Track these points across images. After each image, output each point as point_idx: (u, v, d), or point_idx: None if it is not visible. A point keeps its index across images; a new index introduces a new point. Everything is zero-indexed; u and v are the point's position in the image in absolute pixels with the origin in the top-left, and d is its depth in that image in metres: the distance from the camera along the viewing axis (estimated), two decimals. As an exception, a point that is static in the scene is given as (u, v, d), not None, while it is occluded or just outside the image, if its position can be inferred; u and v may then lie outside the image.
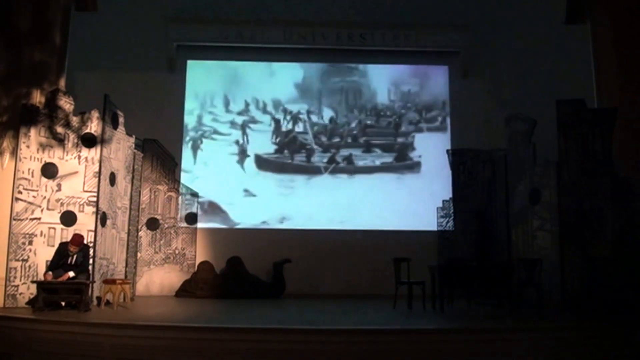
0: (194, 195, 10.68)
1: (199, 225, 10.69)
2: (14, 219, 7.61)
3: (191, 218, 10.50)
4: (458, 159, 10.06)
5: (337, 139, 11.64)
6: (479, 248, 9.46)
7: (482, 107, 11.38)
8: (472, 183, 9.79)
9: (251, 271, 10.18)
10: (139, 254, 9.66)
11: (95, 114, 8.15)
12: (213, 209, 11.24)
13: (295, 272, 10.27)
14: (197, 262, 10.26)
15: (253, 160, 11.52)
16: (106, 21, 10.93)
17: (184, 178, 11.12)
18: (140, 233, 9.73)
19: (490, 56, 11.60)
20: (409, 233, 10.81)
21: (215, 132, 11.56)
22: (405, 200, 11.26)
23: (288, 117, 11.65)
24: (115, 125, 8.51)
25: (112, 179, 8.44)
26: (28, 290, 7.50)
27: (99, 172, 8.02)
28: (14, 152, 7.82)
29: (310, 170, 11.52)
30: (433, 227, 10.47)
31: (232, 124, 11.60)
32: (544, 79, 10.98)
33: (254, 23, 11.55)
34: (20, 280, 7.52)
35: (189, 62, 11.70)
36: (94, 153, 8.07)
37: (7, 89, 8.00)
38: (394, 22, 11.61)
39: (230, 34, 11.54)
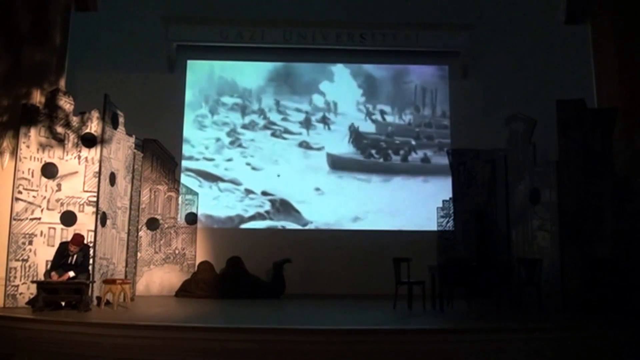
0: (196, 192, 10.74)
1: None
2: (14, 219, 7.61)
3: (191, 218, 10.50)
4: (458, 159, 10.06)
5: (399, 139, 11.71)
6: (479, 248, 9.46)
7: (482, 107, 11.38)
8: (472, 183, 9.79)
9: (251, 271, 10.17)
10: (139, 254, 9.66)
11: (95, 114, 8.15)
12: (285, 207, 11.33)
13: (295, 272, 10.27)
14: (197, 262, 10.25)
15: (326, 159, 11.57)
16: (106, 21, 10.93)
17: (255, 176, 11.39)
18: (140, 233, 9.72)
19: (490, 56, 11.61)
20: (408, 233, 10.81)
21: (287, 131, 11.62)
22: (406, 200, 11.28)
23: (363, 117, 11.75)
24: (115, 125, 8.50)
25: (112, 179, 8.44)
26: (28, 290, 7.50)
27: (99, 172, 8.01)
28: (14, 152, 7.82)
29: (384, 169, 11.60)
30: (433, 227, 10.47)
31: (302, 123, 11.66)
32: (544, 79, 10.99)
33: (253, 23, 11.56)
34: (20, 280, 7.52)
35: (189, 62, 11.70)
36: (94, 153, 8.06)
37: (7, 89, 8.00)
38: (394, 22, 11.62)
39: (230, 34, 11.56)
